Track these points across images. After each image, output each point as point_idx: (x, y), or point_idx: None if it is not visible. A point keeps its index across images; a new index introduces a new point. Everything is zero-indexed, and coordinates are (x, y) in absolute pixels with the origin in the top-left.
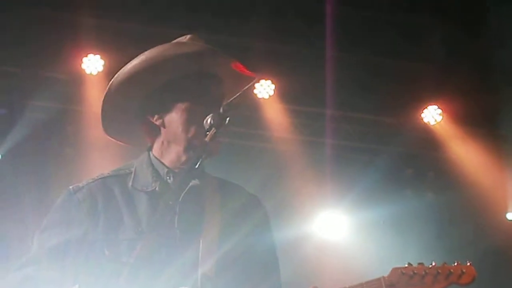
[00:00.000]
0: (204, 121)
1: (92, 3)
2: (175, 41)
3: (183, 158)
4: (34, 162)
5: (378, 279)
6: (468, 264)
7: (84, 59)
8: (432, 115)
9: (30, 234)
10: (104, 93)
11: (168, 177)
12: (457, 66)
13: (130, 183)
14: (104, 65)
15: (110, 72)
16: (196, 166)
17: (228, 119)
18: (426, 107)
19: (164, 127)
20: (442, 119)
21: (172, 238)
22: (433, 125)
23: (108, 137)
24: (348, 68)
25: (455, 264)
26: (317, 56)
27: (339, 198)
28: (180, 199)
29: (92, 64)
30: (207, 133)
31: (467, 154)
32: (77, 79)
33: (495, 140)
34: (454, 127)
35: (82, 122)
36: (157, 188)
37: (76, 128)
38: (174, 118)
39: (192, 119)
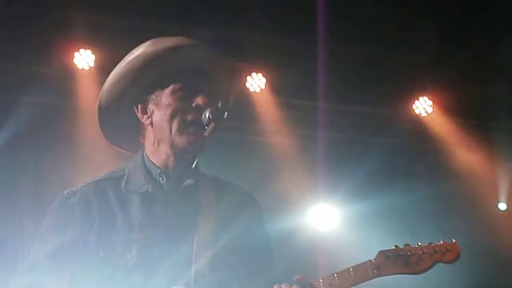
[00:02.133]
0: (203, 116)
1: None
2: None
3: (172, 158)
4: (27, 159)
5: (364, 263)
6: (453, 241)
7: (76, 54)
8: (423, 106)
9: (25, 230)
10: (97, 104)
11: (161, 178)
12: (448, 58)
13: (123, 185)
14: (95, 60)
15: (101, 67)
16: (193, 165)
17: (226, 113)
18: (417, 99)
19: (152, 125)
20: (433, 110)
21: (165, 238)
22: (424, 116)
23: (114, 146)
24: (340, 60)
25: (441, 242)
26: (308, 48)
27: (332, 190)
28: (173, 199)
29: (84, 59)
30: (206, 127)
31: (458, 145)
32: (69, 74)
33: (486, 131)
34: (445, 119)
35: (75, 117)
36: (150, 189)
37: (69, 123)
38: (159, 116)
39: (175, 116)
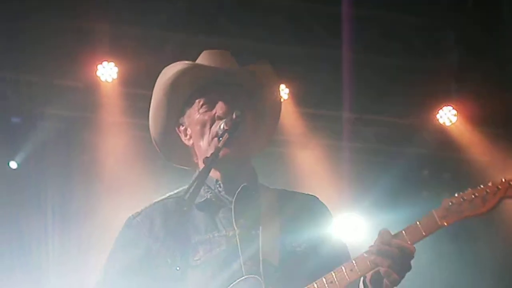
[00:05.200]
0: (218, 127)
1: (105, 10)
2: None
3: (217, 171)
4: (51, 171)
5: (430, 214)
6: None
7: (99, 67)
8: (447, 116)
9: (50, 241)
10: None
11: (218, 186)
12: (471, 67)
13: (185, 198)
14: (118, 72)
15: (124, 79)
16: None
17: (241, 124)
18: (441, 108)
19: (193, 145)
20: (457, 120)
21: (230, 237)
22: (449, 126)
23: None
24: (363, 70)
25: (503, 180)
26: (331, 58)
27: (357, 200)
28: (232, 202)
29: (107, 71)
30: (220, 138)
31: (482, 154)
32: (92, 86)
33: (511, 140)
34: (469, 128)
35: (98, 129)
36: (209, 196)
37: (93, 135)
38: (194, 135)
39: (204, 130)
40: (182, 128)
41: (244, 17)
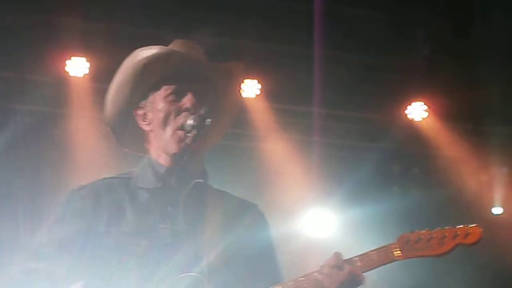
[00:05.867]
0: (185, 121)
1: (76, 5)
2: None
3: (172, 162)
4: (21, 167)
5: (387, 246)
6: (474, 225)
7: (68, 62)
8: (417, 111)
9: (21, 236)
10: (104, 115)
11: (168, 177)
12: (442, 63)
13: (132, 182)
14: (90, 68)
15: (95, 74)
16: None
17: (209, 120)
18: (410, 104)
19: (152, 131)
20: (428, 115)
21: (175, 230)
22: (419, 121)
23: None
24: (334, 66)
25: (461, 226)
26: (303, 54)
27: (327, 196)
28: (182, 196)
29: (77, 66)
30: (188, 135)
31: (452, 150)
32: (62, 82)
33: (481, 135)
34: (438, 124)
35: (68, 124)
36: (158, 185)
37: (62, 130)
38: (155, 122)
39: (167, 121)
40: (141, 112)
41: (215, 13)
